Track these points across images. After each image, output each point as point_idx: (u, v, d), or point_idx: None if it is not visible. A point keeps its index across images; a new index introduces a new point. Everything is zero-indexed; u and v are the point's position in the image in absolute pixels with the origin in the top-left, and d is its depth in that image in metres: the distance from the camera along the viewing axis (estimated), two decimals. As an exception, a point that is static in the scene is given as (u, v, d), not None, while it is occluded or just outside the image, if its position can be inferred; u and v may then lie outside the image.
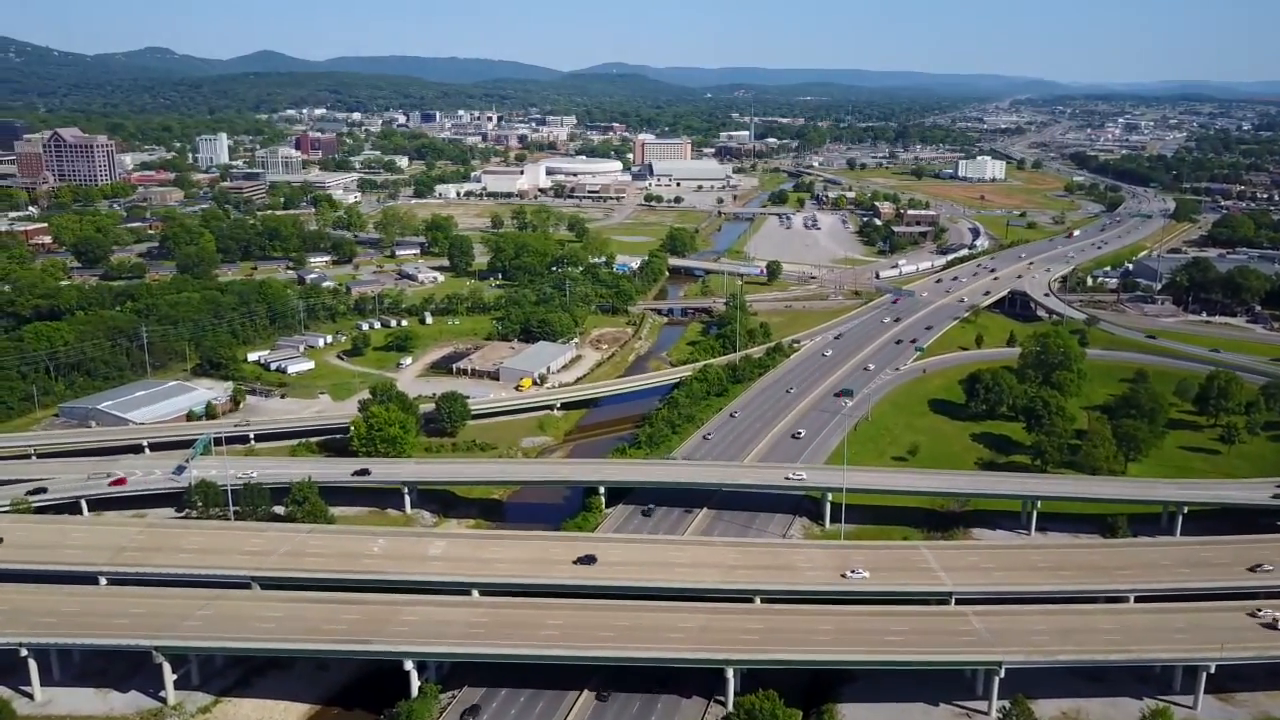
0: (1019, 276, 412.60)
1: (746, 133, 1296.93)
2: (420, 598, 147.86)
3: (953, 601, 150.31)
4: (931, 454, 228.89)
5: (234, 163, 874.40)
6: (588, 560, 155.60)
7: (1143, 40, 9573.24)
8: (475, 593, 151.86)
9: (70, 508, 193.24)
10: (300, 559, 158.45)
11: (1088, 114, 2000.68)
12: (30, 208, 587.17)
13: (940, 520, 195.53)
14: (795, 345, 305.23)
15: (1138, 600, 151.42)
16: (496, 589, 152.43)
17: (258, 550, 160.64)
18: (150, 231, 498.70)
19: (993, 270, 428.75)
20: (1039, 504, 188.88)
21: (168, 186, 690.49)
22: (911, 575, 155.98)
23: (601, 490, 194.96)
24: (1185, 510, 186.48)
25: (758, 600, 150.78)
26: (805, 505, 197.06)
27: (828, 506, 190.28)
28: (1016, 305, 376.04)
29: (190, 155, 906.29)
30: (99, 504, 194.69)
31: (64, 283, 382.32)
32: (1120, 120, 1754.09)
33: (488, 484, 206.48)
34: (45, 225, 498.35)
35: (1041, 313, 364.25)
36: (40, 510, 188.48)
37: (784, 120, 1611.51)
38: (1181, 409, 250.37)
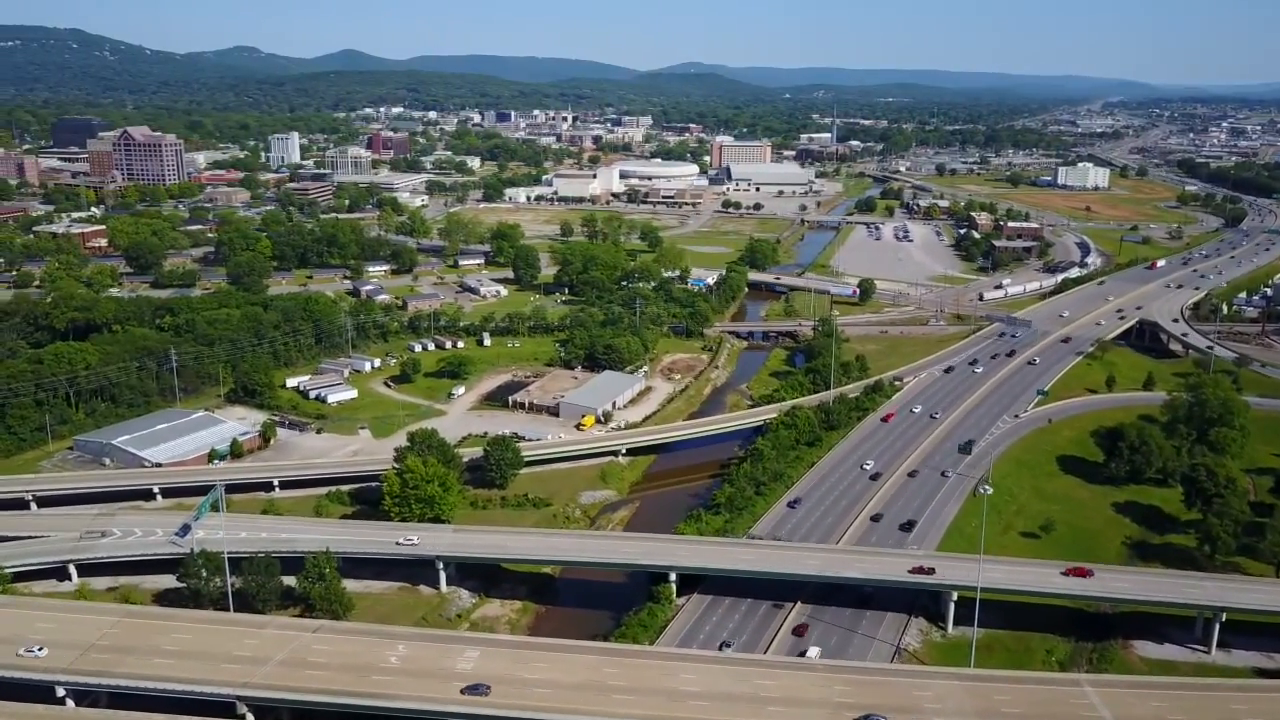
0: (1066, 340, 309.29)
1: (828, 135, 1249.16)
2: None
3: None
4: (1068, 529, 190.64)
5: (304, 162, 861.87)
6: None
7: (1242, 40, 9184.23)
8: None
9: (58, 572, 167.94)
10: (299, 671, 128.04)
11: (1187, 117, 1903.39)
12: (94, 208, 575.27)
13: (1090, 626, 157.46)
14: (897, 384, 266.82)
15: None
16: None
17: (250, 656, 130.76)
18: (209, 235, 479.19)
19: (1011, 351, 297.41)
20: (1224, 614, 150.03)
21: (235, 187, 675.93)
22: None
23: (672, 577, 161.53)
24: None
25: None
26: (922, 601, 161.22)
27: (951, 607, 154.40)
28: (1145, 337, 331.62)
29: (263, 154, 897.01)
30: (90, 568, 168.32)
31: (111, 291, 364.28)
32: (1224, 124, 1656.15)
33: (536, 562, 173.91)
34: (103, 228, 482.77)
35: (1175, 346, 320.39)
36: (20, 577, 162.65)
37: (866, 122, 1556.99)
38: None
